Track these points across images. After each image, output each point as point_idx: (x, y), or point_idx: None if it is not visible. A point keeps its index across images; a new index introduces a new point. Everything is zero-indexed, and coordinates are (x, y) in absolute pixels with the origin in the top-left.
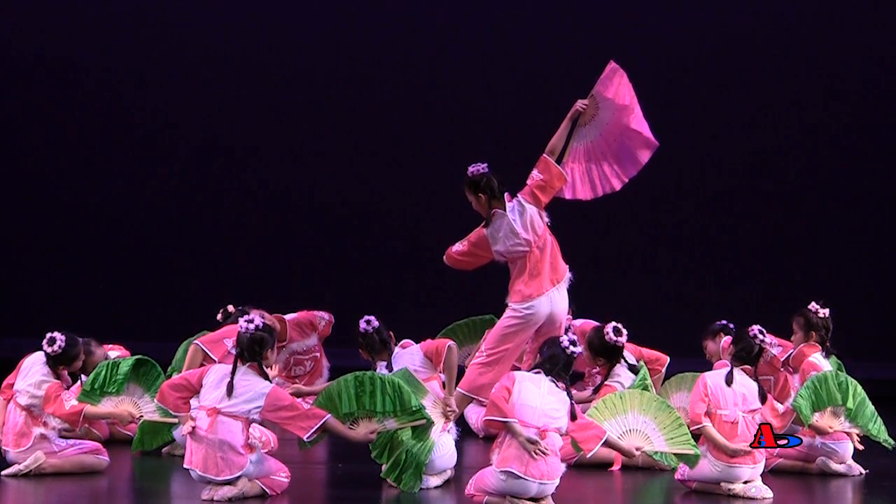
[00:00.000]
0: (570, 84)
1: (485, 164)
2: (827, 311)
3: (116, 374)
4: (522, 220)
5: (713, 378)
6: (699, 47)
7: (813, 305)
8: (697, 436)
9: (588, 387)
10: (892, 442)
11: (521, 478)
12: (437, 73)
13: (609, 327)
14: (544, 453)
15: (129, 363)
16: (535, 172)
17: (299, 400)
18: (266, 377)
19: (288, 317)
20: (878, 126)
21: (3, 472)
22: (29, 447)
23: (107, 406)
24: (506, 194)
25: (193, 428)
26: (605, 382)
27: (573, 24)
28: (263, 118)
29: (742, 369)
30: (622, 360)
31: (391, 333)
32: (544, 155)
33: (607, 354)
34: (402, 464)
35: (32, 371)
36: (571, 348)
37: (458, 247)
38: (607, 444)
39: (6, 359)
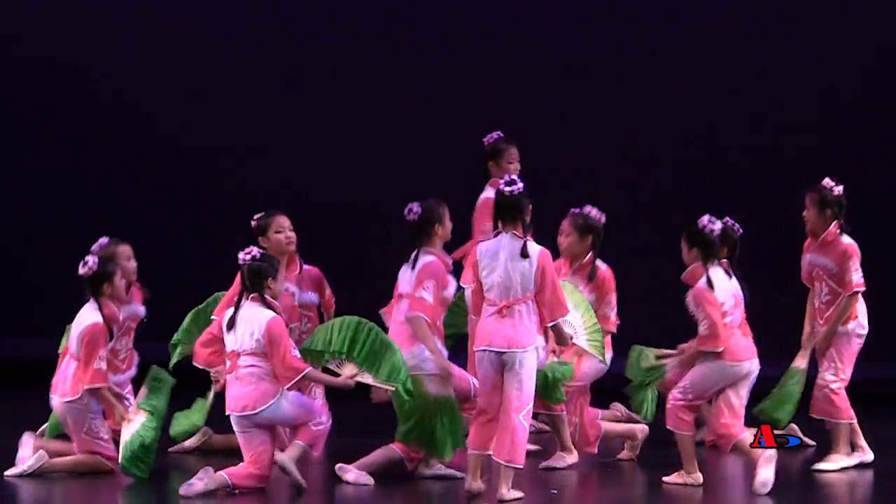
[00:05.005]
0: (571, 81)
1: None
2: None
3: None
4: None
5: (708, 286)
6: (705, 40)
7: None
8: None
9: None
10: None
11: (487, 350)
12: (437, 71)
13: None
14: None
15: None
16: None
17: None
18: (271, 308)
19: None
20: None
21: (6, 473)
22: (76, 398)
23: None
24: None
25: (226, 380)
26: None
27: (574, 22)
28: (264, 117)
29: (720, 264)
30: (728, 266)
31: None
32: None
33: (701, 243)
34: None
35: (81, 319)
36: (507, 188)
37: None
38: (556, 327)
39: (6, 358)
